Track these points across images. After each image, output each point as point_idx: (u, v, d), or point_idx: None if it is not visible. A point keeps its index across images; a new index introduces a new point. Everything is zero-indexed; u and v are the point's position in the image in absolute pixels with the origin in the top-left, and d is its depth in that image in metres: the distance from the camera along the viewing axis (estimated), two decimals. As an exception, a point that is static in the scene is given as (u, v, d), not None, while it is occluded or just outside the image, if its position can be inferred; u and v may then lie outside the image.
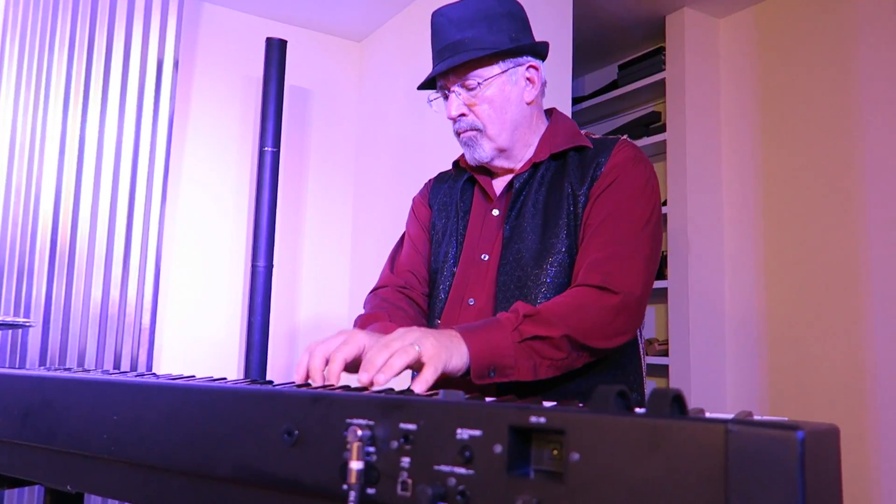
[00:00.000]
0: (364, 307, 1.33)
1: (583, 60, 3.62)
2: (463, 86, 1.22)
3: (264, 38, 2.92)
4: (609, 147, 1.22)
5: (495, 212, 1.28)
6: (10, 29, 2.73)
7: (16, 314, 2.63)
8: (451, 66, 1.20)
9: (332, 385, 0.82)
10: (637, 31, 3.33)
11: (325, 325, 3.23)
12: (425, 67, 3.11)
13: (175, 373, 2.94)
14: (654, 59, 3.25)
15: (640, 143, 3.27)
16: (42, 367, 1.11)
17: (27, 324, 2.14)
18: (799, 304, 2.76)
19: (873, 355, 2.51)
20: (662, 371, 3.15)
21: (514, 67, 1.23)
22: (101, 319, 2.71)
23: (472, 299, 1.23)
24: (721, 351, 3.00)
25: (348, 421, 0.51)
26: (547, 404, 0.69)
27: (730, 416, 0.57)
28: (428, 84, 1.30)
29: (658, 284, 3.10)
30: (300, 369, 0.91)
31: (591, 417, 0.42)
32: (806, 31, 2.84)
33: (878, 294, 2.51)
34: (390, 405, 0.50)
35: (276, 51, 2.87)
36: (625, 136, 1.27)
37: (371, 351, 0.87)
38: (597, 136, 1.28)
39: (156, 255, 2.77)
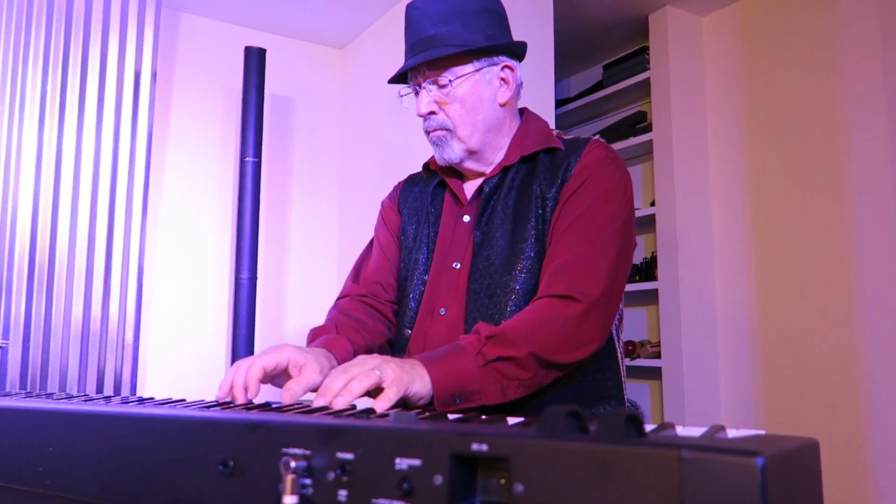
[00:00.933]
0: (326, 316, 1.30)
1: (567, 62, 3.59)
2: (434, 83, 1.18)
3: (243, 47, 2.88)
4: (580, 147, 1.18)
5: (466, 218, 1.23)
6: (-17, 43, 2.68)
7: (-6, 333, 2.58)
8: (422, 61, 1.16)
9: (280, 406, 0.78)
10: (621, 31, 3.31)
11: (313, 336, 3.18)
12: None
13: (160, 389, 2.88)
14: (639, 59, 3.23)
15: (626, 143, 3.24)
16: (21, 391, 1.07)
17: (2, 345, 2.09)
18: (790, 302, 2.73)
19: (866, 353, 2.48)
20: (655, 373, 3.11)
21: (488, 66, 1.19)
22: (83, 337, 2.66)
23: (443, 309, 1.19)
24: (714, 351, 2.96)
25: (283, 451, 0.47)
26: (511, 420, 0.65)
27: (699, 431, 0.53)
28: (400, 78, 1.26)
29: (649, 286, 3.07)
30: (224, 385, 0.94)
31: (536, 444, 0.38)
32: (790, 28, 2.81)
33: (870, 291, 2.48)
34: (328, 432, 0.46)
35: (254, 59, 2.83)
36: (597, 136, 1.23)
37: (329, 377, 0.84)
38: (569, 137, 1.24)
39: (137, 270, 2.72)
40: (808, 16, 2.75)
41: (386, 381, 0.85)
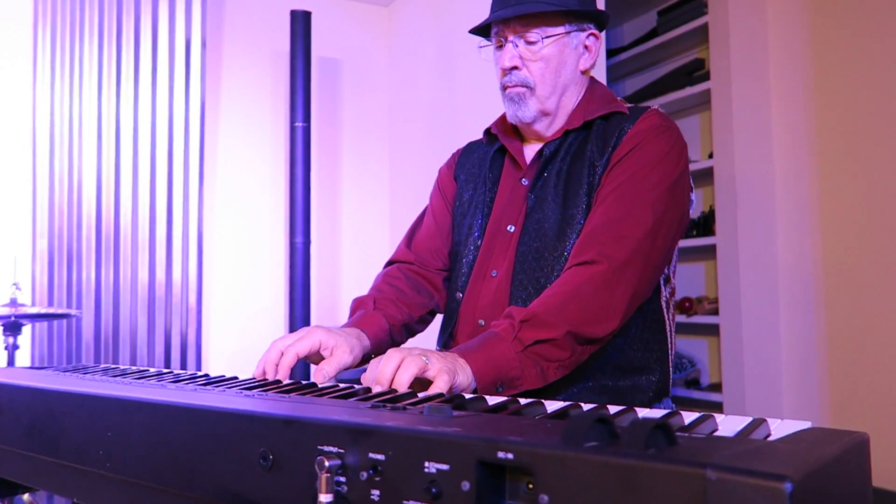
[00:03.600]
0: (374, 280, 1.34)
1: (619, 8, 3.45)
2: (522, 37, 1.17)
3: (289, 11, 2.88)
4: (636, 115, 1.17)
5: (524, 181, 1.23)
6: (41, 21, 2.76)
7: (68, 302, 2.72)
8: (518, 14, 1.14)
9: (322, 389, 0.80)
10: (676, -26, 3.15)
11: (368, 297, 3.24)
12: (455, 30, 3.01)
13: (223, 351, 2.99)
14: (696, 3, 3.07)
15: (682, 93, 3.12)
16: (96, 365, 1.14)
17: (76, 314, 2.21)
18: (855, 256, 2.61)
19: (940, 308, 2.36)
20: (713, 330, 3.05)
21: (576, 31, 1.19)
22: (150, 302, 2.78)
23: (494, 271, 1.20)
24: (774, 309, 2.88)
25: (318, 447, 0.48)
26: (550, 405, 0.65)
27: (741, 423, 0.51)
28: (482, 31, 1.24)
29: (706, 241, 2.99)
30: (260, 364, 0.98)
31: (561, 454, 0.37)
32: (861, -39, 2.62)
33: (945, 242, 2.35)
34: (360, 432, 0.47)
35: (300, 23, 2.83)
36: (656, 107, 1.20)
37: (374, 367, 0.87)
38: (630, 105, 1.22)
39: (197, 236, 2.81)
40: (883, -52, 2.55)
41: (432, 370, 0.86)
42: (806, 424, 0.52)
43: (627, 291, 1.04)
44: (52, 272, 2.72)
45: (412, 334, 1.29)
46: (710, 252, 3.03)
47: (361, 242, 3.27)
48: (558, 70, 1.18)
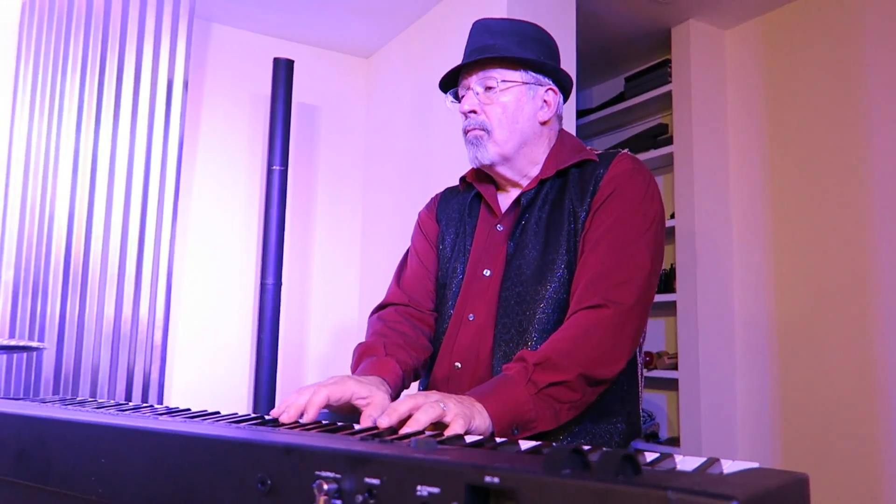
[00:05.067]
0: (367, 329, 1.34)
1: (589, 72, 3.62)
2: (482, 84, 1.25)
3: (272, 57, 2.96)
4: (608, 160, 1.24)
5: (499, 227, 1.29)
6: (24, 50, 2.79)
7: (30, 334, 2.68)
8: (476, 59, 1.23)
9: (306, 425, 0.83)
10: (643, 43, 3.34)
11: (335, 341, 3.25)
12: (432, 82, 3.13)
13: (186, 390, 2.97)
14: (661, 72, 3.25)
15: (647, 155, 3.27)
16: (54, 396, 1.14)
17: (40, 347, 2.18)
18: (809, 313, 2.74)
19: (886, 361, 2.48)
20: (672, 385, 3.13)
21: (534, 84, 1.26)
22: (114, 337, 2.75)
23: (471, 315, 1.24)
24: (731, 363, 2.98)
25: (317, 473, 0.53)
26: (523, 445, 0.70)
27: (695, 462, 0.57)
28: (448, 84, 1.33)
29: (667, 297, 3.09)
30: (282, 405, 0.93)
31: (541, 479, 0.43)
32: (811, 41, 2.82)
33: (891, 300, 2.49)
34: (357, 459, 0.52)
35: (283, 71, 2.91)
36: (625, 150, 1.28)
37: (394, 402, 0.88)
38: (599, 152, 1.29)
39: (167, 273, 2.81)
40: (830, 31, 2.76)
41: (449, 415, 0.87)
42: (754, 464, 0.58)
43: (632, 334, 1.10)
44: (17, 304, 2.68)
45: (417, 378, 1.30)
46: (671, 308, 3.14)
47: (331, 287, 3.30)
48: (515, 116, 1.24)
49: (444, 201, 1.43)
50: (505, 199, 1.32)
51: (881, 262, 2.53)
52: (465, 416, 0.88)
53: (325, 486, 0.51)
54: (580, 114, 3.58)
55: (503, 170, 1.28)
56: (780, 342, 2.84)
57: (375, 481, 0.50)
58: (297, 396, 0.93)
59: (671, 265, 3.21)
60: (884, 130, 2.56)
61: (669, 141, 3.19)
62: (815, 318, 2.72)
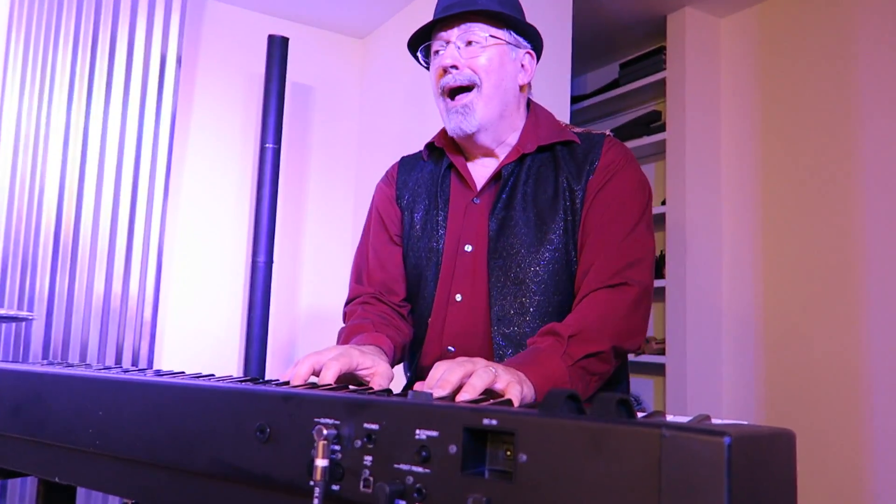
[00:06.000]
0: (344, 320, 1.29)
1: (584, 58, 3.62)
2: (464, 39, 1.17)
3: (267, 35, 2.94)
4: (597, 144, 1.21)
5: (477, 200, 1.23)
6: (14, 24, 2.76)
7: (19, 307, 2.67)
8: (467, 9, 1.15)
9: (305, 386, 0.84)
10: (638, 30, 3.34)
11: (325, 320, 3.26)
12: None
13: (174, 366, 2.97)
14: (655, 59, 3.26)
15: (640, 141, 3.28)
16: (44, 361, 1.14)
17: (29, 317, 2.17)
18: (796, 302, 2.77)
19: (870, 353, 2.52)
20: (659, 370, 3.16)
21: (515, 46, 1.21)
22: (104, 312, 2.74)
23: (458, 295, 1.20)
24: (718, 349, 3.01)
25: (316, 420, 0.54)
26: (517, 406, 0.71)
27: (685, 419, 0.59)
28: (420, 40, 1.23)
29: (656, 284, 3.10)
30: (286, 375, 0.92)
31: (539, 420, 0.44)
32: (807, 31, 2.84)
33: (876, 293, 2.52)
34: (355, 405, 0.52)
35: (277, 48, 2.89)
36: (609, 133, 1.26)
37: (442, 369, 0.82)
38: (580, 130, 1.25)
39: (157, 249, 2.80)
40: (825, 20, 2.77)
41: (501, 382, 0.84)
42: (744, 422, 0.59)
43: (649, 309, 1.15)
44: (5, 276, 2.67)
45: (403, 360, 1.27)
46: (659, 294, 3.17)
47: (322, 265, 3.30)
48: (501, 74, 1.17)
49: (404, 173, 1.34)
50: (477, 170, 1.25)
51: (869, 253, 2.56)
52: (519, 383, 0.86)
53: (325, 432, 0.51)
54: (574, 99, 3.58)
55: (483, 137, 1.21)
56: (767, 330, 2.87)
57: (374, 426, 0.51)
58: (299, 367, 0.91)
59: (661, 252, 3.23)
60: (876, 122, 2.59)
61: (662, 128, 3.20)
62: (802, 307, 2.75)
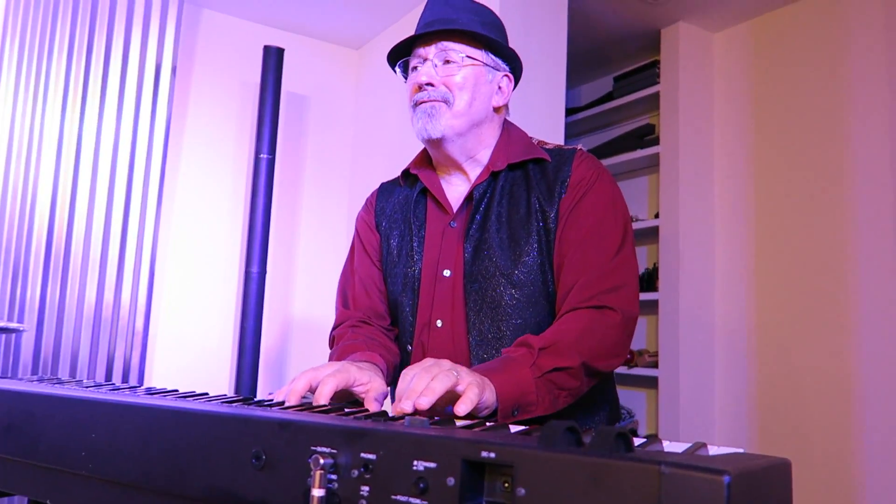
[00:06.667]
0: (330, 345, 1.28)
1: (579, 71, 3.64)
2: (441, 57, 1.18)
3: (262, 45, 2.94)
4: (568, 159, 1.20)
5: (453, 224, 1.22)
6: (9, 31, 2.75)
7: (10, 316, 2.65)
8: (445, 28, 1.16)
9: (297, 406, 0.84)
10: (632, 44, 3.36)
11: (318, 331, 3.25)
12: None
13: (166, 376, 2.95)
14: (649, 72, 3.28)
15: (633, 154, 3.30)
16: (33, 376, 1.13)
17: (20, 328, 2.16)
18: (789, 315, 2.78)
19: (861, 366, 2.53)
20: (652, 383, 3.16)
21: (493, 68, 1.21)
22: (95, 322, 2.73)
23: (439, 321, 1.19)
24: (710, 363, 3.02)
25: (312, 448, 0.53)
26: (513, 429, 0.71)
27: (682, 447, 0.58)
28: (400, 54, 1.24)
29: (649, 296, 3.12)
30: (282, 392, 0.92)
31: (537, 454, 0.44)
32: (799, 46, 2.86)
33: (867, 309, 2.54)
34: (353, 434, 0.52)
35: (273, 59, 2.90)
36: (580, 146, 1.24)
37: (410, 378, 0.85)
38: (551, 146, 1.25)
39: (150, 259, 2.79)
40: (818, 35, 2.80)
41: (463, 384, 0.86)
42: (739, 450, 0.60)
43: (631, 335, 1.12)
44: (-4, 286, 2.65)
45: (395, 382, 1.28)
46: (652, 307, 3.17)
47: (316, 276, 3.29)
48: (474, 94, 1.18)
49: (383, 199, 1.35)
50: (452, 192, 1.25)
51: (861, 266, 2.57)
52: (479, 386, 0.87)
53: (322, 461, 0.51)
54: (568, 112, 3.60)
55: (451, 147, 1.20)
56: (760, 343, 2.88)
57: (371, 456, 0.50)
58: (296, 383, 0.92)
59: (654, 264, 3.24)
60: (868, 136, 2.61)
61: (656, 141, 3.22)
62: (795, 321, 2.76)
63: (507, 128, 1.27)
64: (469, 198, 1.21)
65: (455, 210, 1.23)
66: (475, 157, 1.23)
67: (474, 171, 1.24)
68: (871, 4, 2.63)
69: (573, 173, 1.17)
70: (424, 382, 0.83)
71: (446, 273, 1.20)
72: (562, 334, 1.04)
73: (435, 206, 1.26)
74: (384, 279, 1.30)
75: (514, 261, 1.15)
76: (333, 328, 1.31)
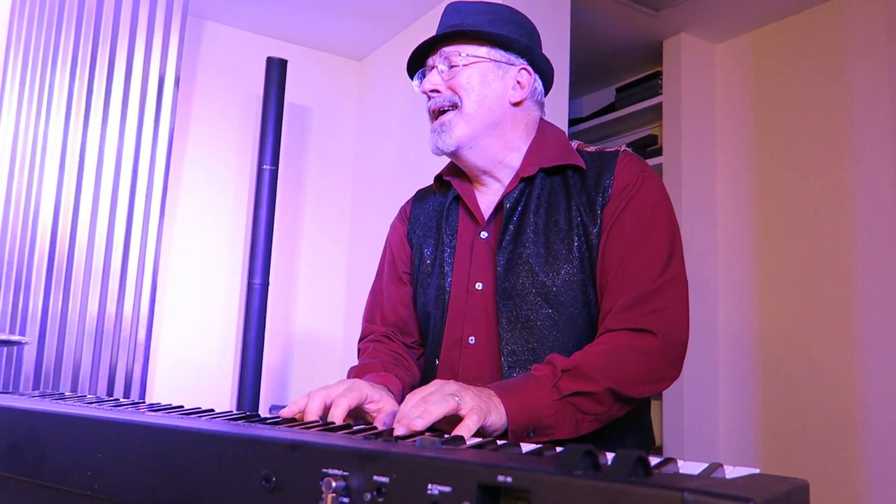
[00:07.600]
0: (358, 356, 1.26)
1: (581, 82, 3.65)
2: (446, 62, 1.16)
3: (265, 56, 2.95)
4: (610, 163, 1.12)
5: (484, 234, 1.17)
6: (13, 43, 2.76)
7: (11, 328, 2.64)
8: (439, 34, 1.15)
9: (306, 423, 0.83)
10: (635, 55, 3.37)
11: (321, 343, 3.24)
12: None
13: (168, 388, 2.93)
14: (652, 83, 3.28)
15: (636, 165, 3.29)
16: (35, 391, 1.12)
17: (22, 341, 2.15)
18: (793, 328, 2.77)
19: (866, 382, 2.51)
20: (656, 395, 3.15)
21: (504, 63, 1.16)
22: (97, 334, 2.72)
23: (472, 338, 1.13)
24: (714, 375, 3.01)
25: (324, 471, 0.52)
26: (524, 448, 0.70)
27: (698, 467, 0.58)
28: (416, 66, 1.23)
29: (653, 307, 3.11)
30: (293, 408, 0.90)
31: (555, 479, 0.43)
32: (801, 57, 2.86)
33: (872, 320, 2.52)
34: (366, 456, 0.51)
35: (276, 70, 2.90)
36: (624, 148, 1.16)
37: (408, 404, 0.83)
38: (592, 149, 1.18)
39: (153, 271, 2.78)
40: (819, 46, 2.80)
41: (465, 409, 0.83)
42: (755, 470, 0.59)
43: (674, 361, 1.05)
44: (-2, 297, 2.64)
45: None
46: (656, 317, 3.16)
47: (318, 288, 3.29)
48: (483, 92, 1.13)
49: (417, 208, 1.31)
50: (485, 199, 1.20)
51: (866, 275, 2.56)
52: (481, 411, 0.84)
53: (333, 484, 0.50)
54: (571, 122, 3.60)
55: (471, 155, 1.15)
56: (764, 355, 2.87)
57: (385, 479, 0.50)
58: (310, 402, 0.90)
59: (657, 275, 3.23)
60: (870, 146, 2.60)
61: (658, 152, 3.22)
62: (799, 333, 2.75)
63: (543, 129, 1.21)
64: (499, 206, 1.16)
65: (486, 219, 1.18)
66: (504, 162, 1.18)
67: (507, 177, 1.18)
68: (873, 16, 2.64)
69: (616, 179, 1.10)
70: (420, 408, 0.81)
71: (479, 286, 1.15)
72: (590, 357, 0.99)
73: (466, 213, 1.21)
74: (414, 291, 1.26)
75: (552, 278, 1.08)
76: (360, 340, 1.31)
